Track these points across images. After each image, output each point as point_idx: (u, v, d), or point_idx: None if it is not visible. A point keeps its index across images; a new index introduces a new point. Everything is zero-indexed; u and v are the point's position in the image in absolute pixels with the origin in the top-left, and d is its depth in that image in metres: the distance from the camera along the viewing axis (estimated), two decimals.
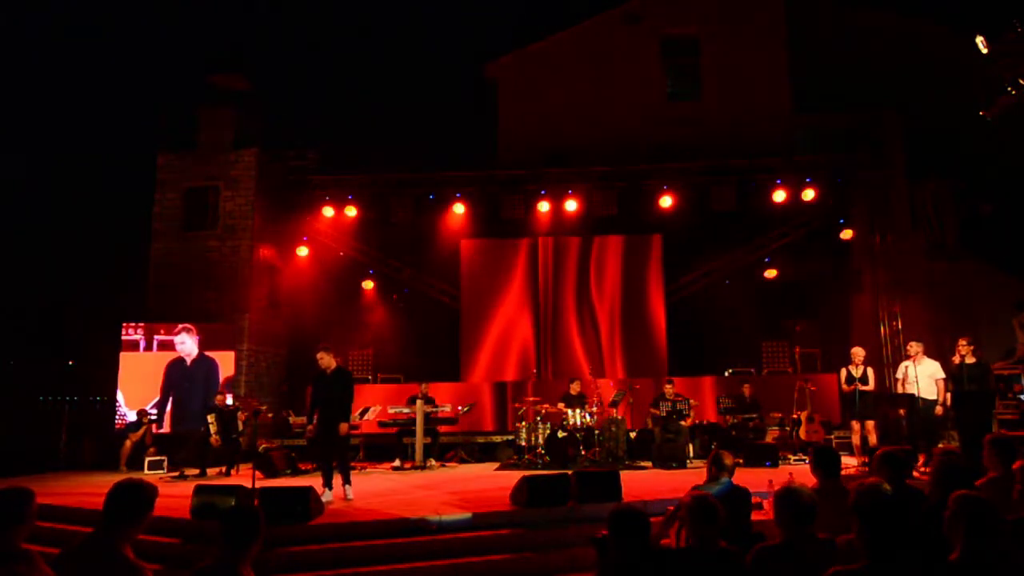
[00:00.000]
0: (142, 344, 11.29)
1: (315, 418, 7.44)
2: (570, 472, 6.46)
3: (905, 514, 2.62)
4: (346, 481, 7.12)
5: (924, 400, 8.49)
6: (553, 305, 13.23)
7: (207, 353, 11.32)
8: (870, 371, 8.97)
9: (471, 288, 13.39)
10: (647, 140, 12.96)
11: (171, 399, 11.17)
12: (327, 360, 7.56)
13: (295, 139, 13.80)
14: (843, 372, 9.06)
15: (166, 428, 10.97)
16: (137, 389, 11.14)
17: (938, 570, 2.63)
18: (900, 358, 9.28)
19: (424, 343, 13.18)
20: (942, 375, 8.63)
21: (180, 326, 11.32)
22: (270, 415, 11.29)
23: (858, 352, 9.04)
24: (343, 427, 7.25)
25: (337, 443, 7.27)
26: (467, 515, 5.93)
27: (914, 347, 8.79)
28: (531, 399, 10.47)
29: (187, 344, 11.27)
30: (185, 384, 11.15)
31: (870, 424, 8.80)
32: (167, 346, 11.31)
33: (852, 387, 8.81)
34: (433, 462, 9.85)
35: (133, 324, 11.39)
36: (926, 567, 2.64)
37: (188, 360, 11.18)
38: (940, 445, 8.77)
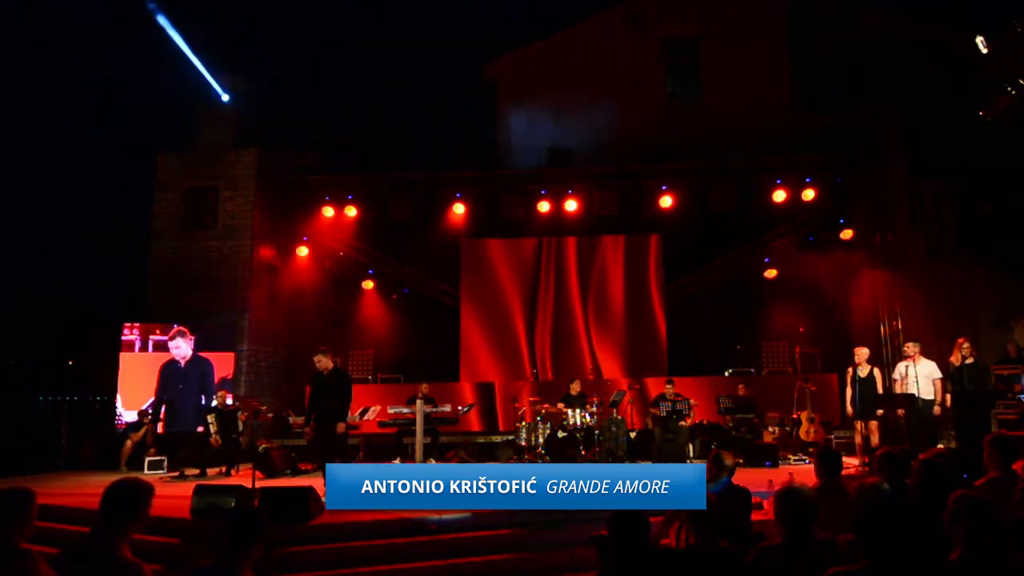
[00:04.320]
0: (137, 344, 11.28)
1: (313, 419, 7.46)
2: None
3: (905, 514, 2.62)
4: None
5: (922, 400, 8.49)
6: (553, 305, 13.23)
7: (203, 354, 11.30)
8: (876, 371, 8.98)
9: (471, 288, 13.39)
10: (647, 140, 12.94)
11: (164, 400, 11.15)
12: (324, 362, 7.62)
13: (295, 139, 13.81)
14: (849, 372, 9.07)
15: (159, 429, 10.96)
16: (133, 390, 11.12)
17: (938, 570, 2.63)
18: (900, 358, 9.27)
19: (424, 343, 13.17)
20: (939, 375, 8.64)
21: (174, 328, 11.30)
22: (270, 415, 11.29)
23: (861, 352, 9.04)
24: (340, 427, 7.27)
25: (336, 443, 7.29)
26: (467, 515, 5.93)
27: (911, 347, 8.79)
28: (531, 399, 10.47)
29: (182, 347, 11.24)
30: (179, 386, 11.12)
31: (872, 424, 8.81)
32: (164, 347, 11.29)
33: (855, 387, 8.82)
34: (433, 462, 9.85)
35: (130, 324, 11.39)
36: (926, 567, 2.65)
37: (182, 362, 11.16)
38: (940, 445, 8.78)
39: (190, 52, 11.93)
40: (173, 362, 11.05)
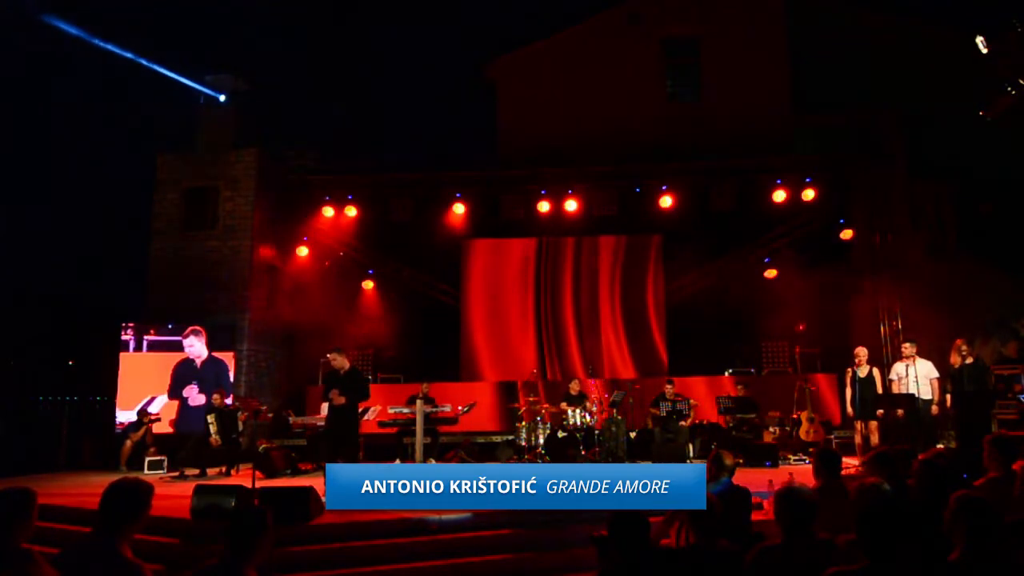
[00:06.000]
0: (132, 344, 11.27)
1: (327, 417, 7.52)
2: None
3: (905, 514, 2.62)
4: None
5: (921, 400, 8.50)
6: (553, 305, 13.23)
7: (216, 354, 11.32)
8: (876, 371, 8.99)
9: (471, 288, 13.40)
10: (647, 140, 12.95)
11: (179, 399, 11.18)
12: (340, 361, 7.70)
13: (295, 139, 13.81)
14: (849, 372, 9.08)
15: (170, 428, 10.96)
16: (127, 390, 11.12)
17: (938, 570, 2.63)
18: (898, 358, 9.28)
19: (424, 343, 13.17)
20: (936, 375, 8.65)
21: (189, 328, 11.31)
22: (270, 415, 11.28)
23: (861, 352, 9.05)
24: (335, 395, 7.40)
25: (346, 443, 7.33)
26: (467, 515, 5.93)
27: (908, 348, 8.79)
28: (531, 399, 10.47)
29: (196, 346, 11.25)
30: (196, 386, 11.15)
31: (872, 424, 8.81)
32: (157, 346, 11.28)
33: (855, 387, 8.83)
34: (433, 462, 9.84)
35: (125, 324, 11.41)
36: (926, 567, 2.65)
37: (198, 362, 11.17)
38: (940, 445, 8.79)
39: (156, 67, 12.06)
40: (189, 361, 11.08)
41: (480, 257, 13.49)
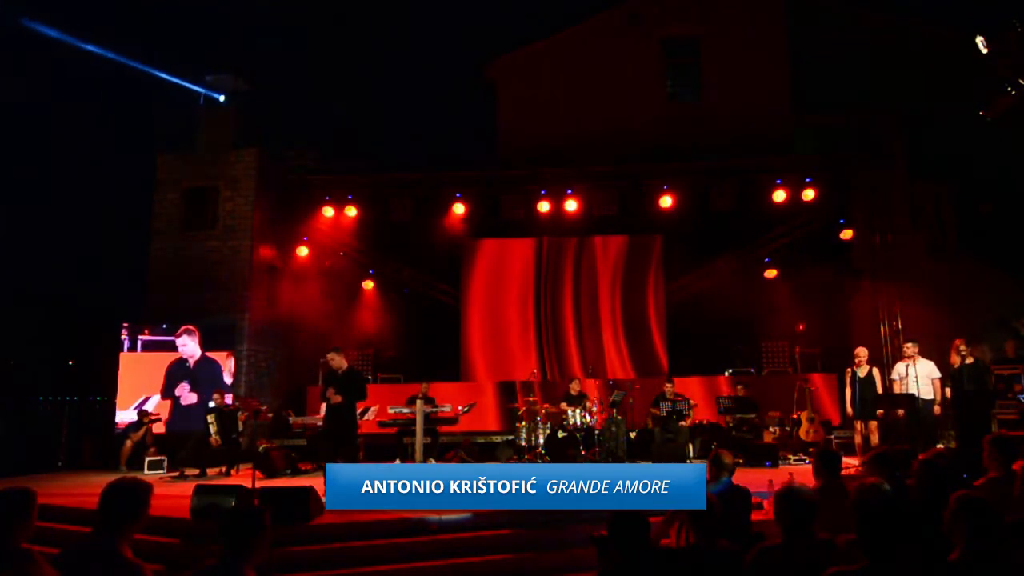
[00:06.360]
0: (126, 344, 11.26)
1: (324, 417, 7.55)
2: None
3: (905, 514, 2.62)
4: None
5: (922, 400, 8.51)
6: (553, 305, 13.24)
7: (209, 354, 11.31)
8: (876, 371, 9.00)
9: (471, 288, 13.40)
10: (647, 140, 12.95)
11: (172, 399, 11.18)
12: (338, 361, 7.71)
13: (295, 139, 13.82)
14: (848, 372, 9.09)
15: (162, 428, 10.96)
16: (123, 389, 11.11)
17: (938, 570, 2.63)
18: (900, 358, 9.29)
19: (424, 343, 13.18)
20: (938, 375, 8.66)
21: (182, 327, 11.31)
22: (270, 415, 11.29)
23: (861, 352, 9.06)
24: (331, 393, 7.41)
25: (345, 443, 7.34)
26: (467, 515, 5.93)
27: (910, 348, 8.81)
28: (531, 399, 10.47)
29: (189, 346, 11.24)
30: (188, 385, 11.15)
31: (872, 424, 8.82)
32: (152, 346, 11.28)
33: (855, 387, 8.83)
34: (433, 462, 9.84)
35: (124, 324, 11.42)
36: (926, 567, 2.65)
37: (191, 361, 11.15)
38: (940, 445, 8.79)
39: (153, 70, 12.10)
40: (182, 361, 11.06)
41: (480, 257, 13.50)
